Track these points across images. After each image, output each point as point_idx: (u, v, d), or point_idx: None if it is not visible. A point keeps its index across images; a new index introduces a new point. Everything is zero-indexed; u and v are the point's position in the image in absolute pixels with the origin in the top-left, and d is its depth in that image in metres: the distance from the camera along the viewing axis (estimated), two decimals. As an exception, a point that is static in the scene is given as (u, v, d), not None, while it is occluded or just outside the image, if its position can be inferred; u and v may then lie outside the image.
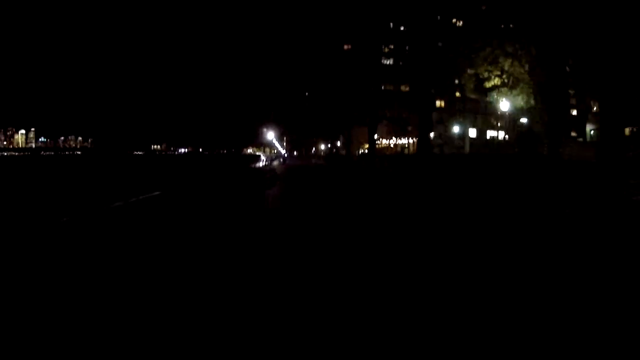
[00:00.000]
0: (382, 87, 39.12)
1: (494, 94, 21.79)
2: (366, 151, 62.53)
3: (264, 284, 4.74)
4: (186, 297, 4.33)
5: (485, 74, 20.64)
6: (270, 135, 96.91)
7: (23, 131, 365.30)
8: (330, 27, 41.29)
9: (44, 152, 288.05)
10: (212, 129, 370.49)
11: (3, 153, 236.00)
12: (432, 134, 63.82)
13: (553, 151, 16.98)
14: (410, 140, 52.93)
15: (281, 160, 75.53)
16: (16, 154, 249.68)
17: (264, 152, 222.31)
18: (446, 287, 4.65)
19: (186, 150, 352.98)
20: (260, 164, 59.37)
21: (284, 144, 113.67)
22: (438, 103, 59.27)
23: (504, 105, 23.93)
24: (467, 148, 39.80)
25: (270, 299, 4.24)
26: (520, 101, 20.67)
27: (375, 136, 62.52)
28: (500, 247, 6.75)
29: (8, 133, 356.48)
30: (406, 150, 58.33)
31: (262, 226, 8.87)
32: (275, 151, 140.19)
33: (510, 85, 20.11)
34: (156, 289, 4.63)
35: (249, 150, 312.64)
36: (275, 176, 24.56)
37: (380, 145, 72.87)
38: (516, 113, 30.18)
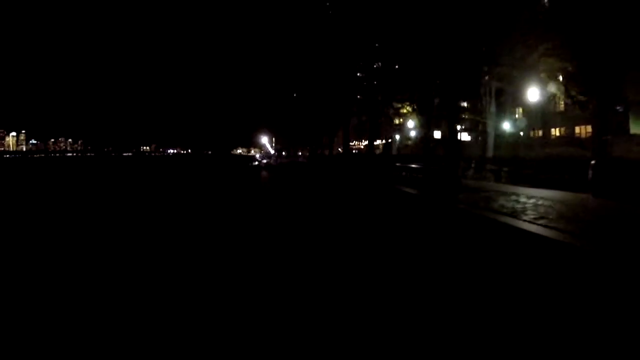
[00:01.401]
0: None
1: (407, 117, 38.04)
2: (340, 151, 78.22)
3: (266, 191, 20.70)
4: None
5: (399, 105, 36.50)
6: (261, 138, 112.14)
7: (14, 133, 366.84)
8: (311, 48, 54.15)
9: (36, 154, 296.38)
10: (201, 130, 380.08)
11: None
12: (397, 137, 79.30)
13: (426, 153, 32.45)
14: (378, 142, 68.13)
15: (273, 159, 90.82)
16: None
17: (254, 152, 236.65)
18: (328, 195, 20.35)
19: (174, 151, 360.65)
20: (262, 161, 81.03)
21: (273, 145, 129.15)
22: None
23: (410, 123, 39.97)
24: (394, 150, 53.97)
25: (266, 192, 20.16)
26: (416, 123, 36.60)
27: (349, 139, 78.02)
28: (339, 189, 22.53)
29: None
30: (377, 151, 73.63)
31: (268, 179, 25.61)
32: (264, 152, 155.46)
33: (413, 113, 36.01)
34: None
35: (238, 151, 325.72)
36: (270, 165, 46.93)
37: (353, 146, 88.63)
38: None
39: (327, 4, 40.54)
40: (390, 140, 48.55)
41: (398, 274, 6.94)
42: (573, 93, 18.53)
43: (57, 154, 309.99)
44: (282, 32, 54.91)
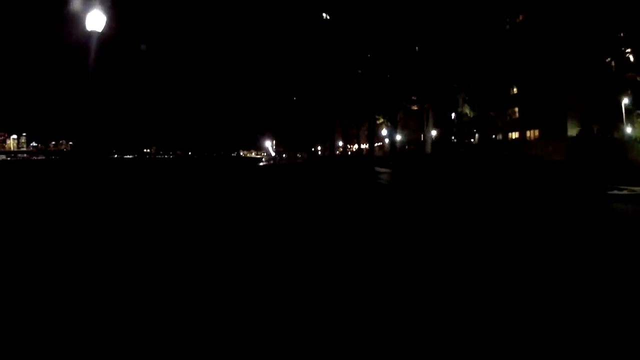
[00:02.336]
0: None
1: (382, 126, 49.61)
2: (337, 152, 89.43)
3: (275, 180, 31.46)
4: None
5: (377, 117, 48.02)
6: (261, 140, 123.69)
7: (15, 136, 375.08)
8: (307, 68, 65.33)
9: (36, 156, 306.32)
10: (202, 132, 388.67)
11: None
12: (387, 140, 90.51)
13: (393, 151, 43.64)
14: (364, 145, 79.73)
15: (277, 160, 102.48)
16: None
17: (255, 155, 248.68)
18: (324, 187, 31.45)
19: (177, 153, 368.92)
20: (269, 162, 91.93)
21: (274, 147, 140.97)
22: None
23: (384, 131, 51.51)
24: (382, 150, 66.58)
25: (273, 183, 31.03)
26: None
27: (340, 143, 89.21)
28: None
29: (0, 138, 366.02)
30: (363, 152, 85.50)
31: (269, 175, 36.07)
32: (266, 154, 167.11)
33: (384, 124, 47.70)
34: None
35: (241, 153, 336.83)
36: (274, 165, 55.46)
37: (347, 149, 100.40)
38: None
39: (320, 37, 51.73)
40: (362, 145, 60.43)
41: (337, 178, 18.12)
42: (469, 111, 30.10)
43: (58, 156, 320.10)
44: (283, 52, 65.84)
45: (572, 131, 58.35)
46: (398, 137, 75.84)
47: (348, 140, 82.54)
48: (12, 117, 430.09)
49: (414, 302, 4.48)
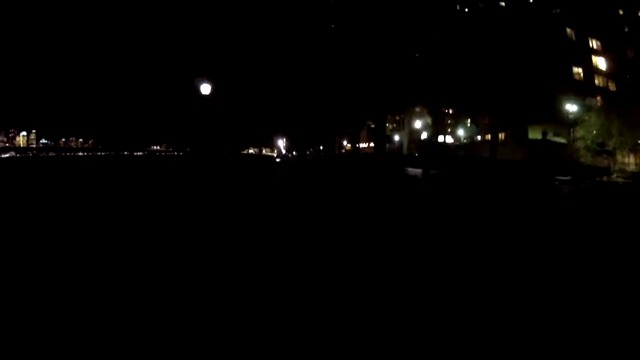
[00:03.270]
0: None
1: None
2: (342, 151, 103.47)
3: (292, 170, 45.76)
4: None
5: (370, 122, 61.94)
6: (272, 138, 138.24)
7: (24, 133, 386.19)
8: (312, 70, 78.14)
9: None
10: (212, 130, 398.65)
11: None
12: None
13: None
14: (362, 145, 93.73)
15: (290, 157, 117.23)
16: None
17: (265, 152, 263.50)
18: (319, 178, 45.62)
19: (187, 150, 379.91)
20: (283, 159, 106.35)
21: (285, 145, 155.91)
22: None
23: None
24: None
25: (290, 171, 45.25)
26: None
27: (345, 142, 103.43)
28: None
29: (10, 135, 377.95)
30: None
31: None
32: (277, 152, 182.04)
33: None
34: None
35: (251, 151, 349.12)
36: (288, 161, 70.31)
37: (349, 148, 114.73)
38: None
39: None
40: (358, 145, 74.52)
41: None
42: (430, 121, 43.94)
43: (68, 153, 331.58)
44: (295, 65, 78.55)
45: (536, 134, 70.90)
46: (396, 138, 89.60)
47: (350, 140, 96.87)
48: (22, 114, 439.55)
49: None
